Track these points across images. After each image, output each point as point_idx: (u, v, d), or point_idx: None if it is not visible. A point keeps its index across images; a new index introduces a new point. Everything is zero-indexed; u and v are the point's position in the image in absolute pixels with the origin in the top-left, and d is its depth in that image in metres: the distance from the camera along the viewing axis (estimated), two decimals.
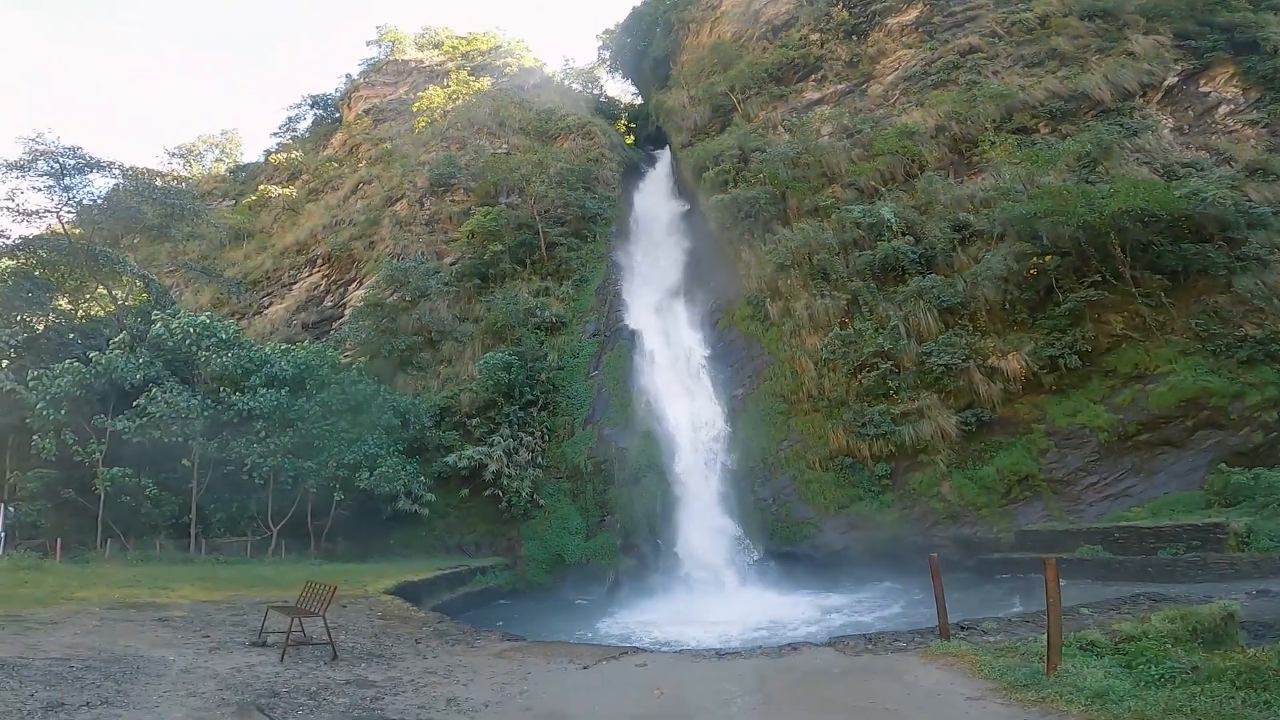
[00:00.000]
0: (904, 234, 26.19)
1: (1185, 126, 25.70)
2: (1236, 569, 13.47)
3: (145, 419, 23.21)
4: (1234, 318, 19.67)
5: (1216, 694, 5.28)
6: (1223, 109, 25.55)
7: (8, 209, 27.50)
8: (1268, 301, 19.35)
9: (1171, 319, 20.40)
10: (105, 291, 30.33)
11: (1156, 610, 8.40)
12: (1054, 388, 21.40)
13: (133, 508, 23.60)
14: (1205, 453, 18.57)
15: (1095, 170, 24.15)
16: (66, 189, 27.95)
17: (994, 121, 28.03)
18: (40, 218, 28.46)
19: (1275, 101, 24.80)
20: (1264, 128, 24.43)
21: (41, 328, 27.79)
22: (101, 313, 30.78)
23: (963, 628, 9.72)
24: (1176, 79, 26.65)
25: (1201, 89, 26.24)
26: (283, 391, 25.40)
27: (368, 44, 62.31)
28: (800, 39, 37.23)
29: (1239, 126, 24.84)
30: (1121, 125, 25.64)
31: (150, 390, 23.81)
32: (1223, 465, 17.65)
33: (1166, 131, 25.56)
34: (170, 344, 25.32)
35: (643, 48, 49.63)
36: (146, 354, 25.18)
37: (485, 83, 50.58)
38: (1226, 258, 20.50)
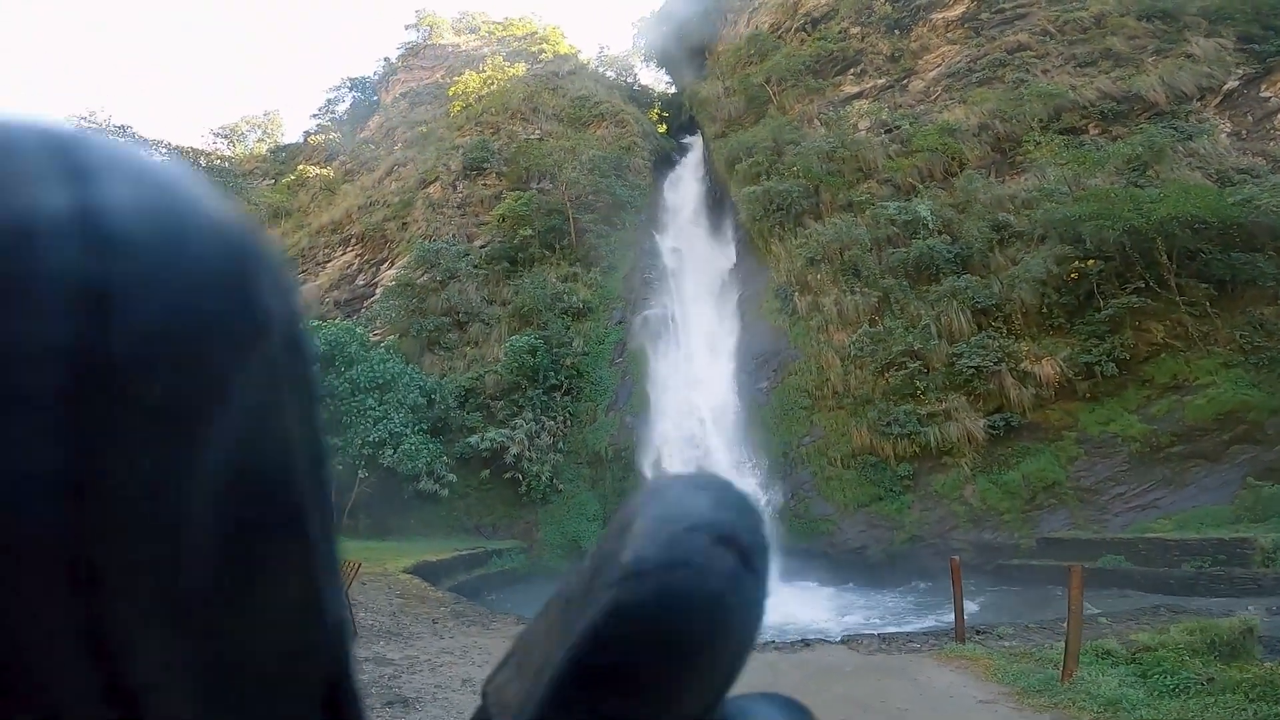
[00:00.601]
0: (940, 232, 25.66)
1: (1243, 131, 24.63)
2: (1260, 585, 13.10)
3: None
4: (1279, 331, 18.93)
5: (1230, 705, 5.17)
6: None
7: None
8: None
9: (1215, 329, 19.67)
10: None
11: (1175, 622, 8.23)
12: (1088, 395, 20.84)
13: None
14: (1238, 467, 17.91)
15: (1145, 174, 23.31)
16: None
17: (1040, 121, 27.15)
18: None
19: None
20: None
21: None
22: None
23: (979, 631, 9.60)
24: (1237, 83, 25.50)
25: (1262, 94, 25.07)
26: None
27: (405, 28, 62.61)
28: (840, 32, 36.49)
29: None
30: (1175, 129, 24.63)
31: None
32: (1254, 480, 17.07)
33: (1223, 136, 24.53)
34: None
35: (678, 37, 49.19)
36: None
37: (520, 69, 50.67)
38: (1277, 268, 19.70)
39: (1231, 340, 19.38)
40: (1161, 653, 6.42)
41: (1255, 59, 25.46)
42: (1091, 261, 21.77)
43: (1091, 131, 26.50)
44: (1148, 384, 20.15)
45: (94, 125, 28.65)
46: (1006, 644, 8.80)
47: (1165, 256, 20.36)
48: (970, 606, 15.87)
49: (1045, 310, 22.53)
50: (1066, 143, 25.84)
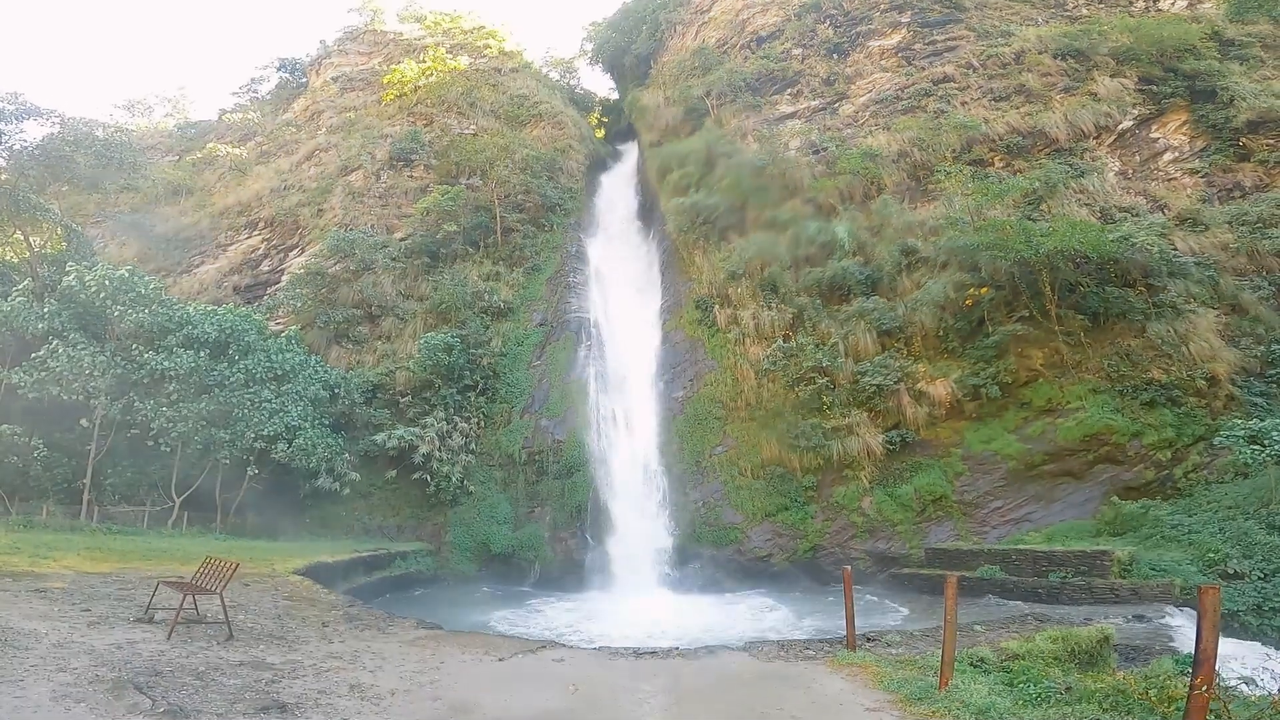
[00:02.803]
0: (855, 254, 26.91)
1: (1130, 171, 26.88)
2: (1117, 594, 14.39)
3: (45, 373, 21.65)
4: (1143, 361, 20.92)
5: (1085, 714, 5.62)
6: (1167, 155, 26.75)
7: None
8: (1176, 349, 20.62)
9: (1087, 358, 21.61)
10: (21, 237, 28.53)
11: (1041, 630, 8.90)
12: (974, 415, 22.45)
13: (20, 469, 22.02)
14: (1101, 485, 19.83)
15: (1039, 208, 25.20)
16: None
17: (953, 151, 28.89)
18: None
19: (1218, 151, 25.99)
20: (1202, 177, 25.70)
21: None
22: (15, 259, 28.80)
23: (869, 639, 10.07)
24: (1131, 123, 27.79)
25: (1152, 134, 27.41)
26: (202, 354, 24.12)
27: (349, 10, 59.90)
28: (782, 52, 37.67)
29: (1179, 175, 26.08)
30: (1070, 165, 26.70)
31: (52, 343, 22.23)
32: (1115, 498, 18.87)
33: (1112, 175, 26.72)
34: (83, 297, 23.68)
35: (626, 44, 49.53)
36: (54, 305, 23.49)
37: (462, 63, 49.51)
38: (1145, 304, 21.75)
39: (1100, 369, 21.34)
40: (1027, 661, 6.96)
41: (1152, 100, 27.88)
42: (985, 289, 23.46)
43: (997, 164, 28.44)
44: (1025, 406, 21.94)
45: None
46: (893, 651, 9.29)
47: (1049, 288, 22.20)
48: (902, 610, 16.73)
49: (942, 334, 24.09)
50: (974, 174, 27.59)
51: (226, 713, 5.92)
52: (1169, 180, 26.11)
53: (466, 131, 42.44)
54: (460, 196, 36.17)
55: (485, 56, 51.91)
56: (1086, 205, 25.32)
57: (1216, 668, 4.85)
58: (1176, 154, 26.74)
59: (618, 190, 41.58)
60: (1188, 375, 20.13)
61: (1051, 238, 21.31)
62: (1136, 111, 27.91)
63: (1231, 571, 14.60)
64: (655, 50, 46.70)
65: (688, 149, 34.72)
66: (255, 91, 62.41)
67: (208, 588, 9.03)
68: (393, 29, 56.29)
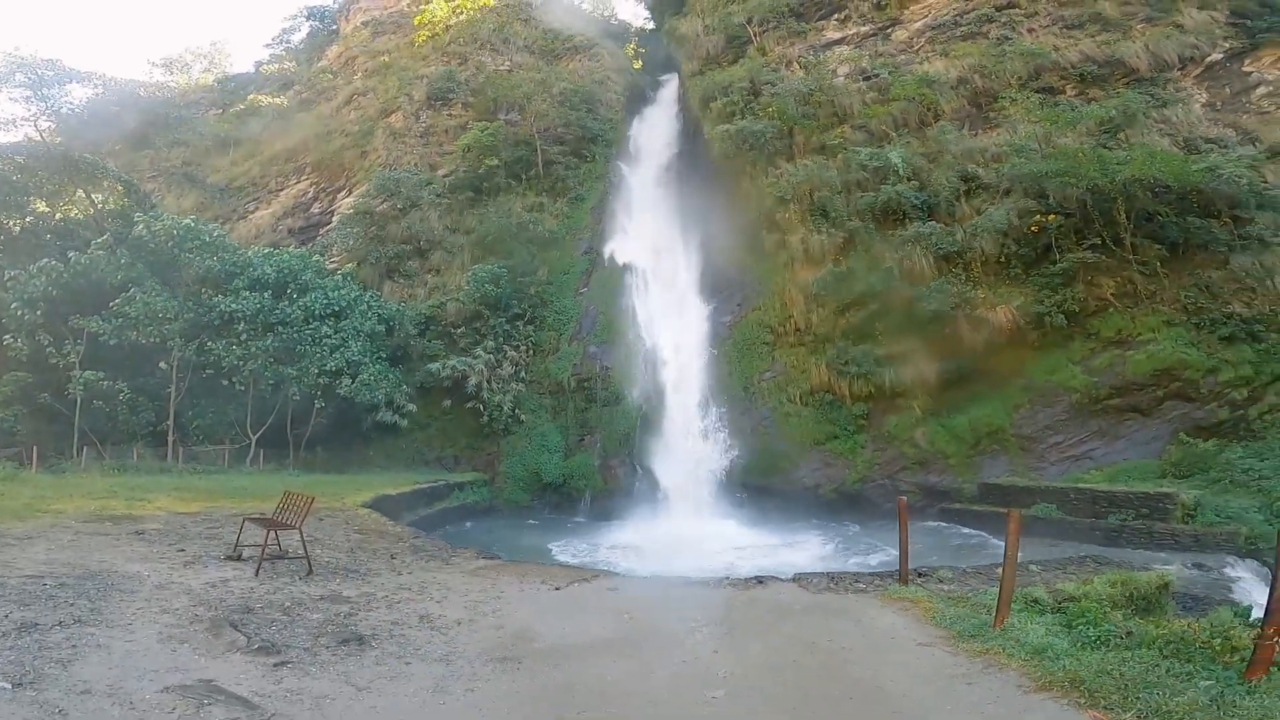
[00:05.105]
0: (909, 180, 25.53)
1: (1219, 103, 24.56)
2: (1178, 540, 13.88)
3: (122, 320, 22.86)
4: (1224, 294, 19.56)
5: (1145, 660, 5.56)
6: (1261, 90, 24.24)
7: None
8: (1261, 282, 19.18)
9: (1163, 289, 20.28)
10: (84, 195, 29.82)
11: (1099, 573, 8.76)
12: (1036, 344, 21.49)
13: (108, 414, 23.53)
14: (1170, 423, 18.84)
15: (1116, 137, 23.33)
16: (44, 99, 27.94)
17: (1020, 79, 26.77)
18: (17, 126, 29.18)
19: None
20: None
21: (18, 230, 27.23)
22: (81, 216, 30.15)
23: (920, 574, 10.11)
24: (1221, 56, 25.24)
25: (1245, 68, 24.88)
26: (265, 295, 25.05)
27: None
28: None
29: (1273, 109, 23.67)
30: (1152, 95, 24.54)
31: (130, 290, 23.34)
32: (1184, 437, 17.92)
33: (1198, 106, 24.48)
34: (153, 246, 24.72)
35: None
36: (128, 255, 24.55)
37: None
38: (1229, 235, 20.21)
39: (1176, 300, 20.05)
40: (1085, 603, 6.88)
41: (1245, 34, 25.16)
42: (1053, 216, 22.04)
43: (1069, 93, 26.28)
44: (1093, 337, 20.86)
45: (19, 59, 26.79)
46: (946, 587, 9.31)
47: (1124, 216, 20.72)
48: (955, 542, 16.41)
49: (1004, 260, 22.89)
50: (1042, 101, 25.65)
51: (312, 646, 6.43)
52: (1262, 114, 23.57)
53: (502, 68, 41.75)
54: (500, 132, 35.85)
55: None
56: (1169, 135, 23.32)
57: None
58: (1271, 88, 24.03)
59: (660, 120, 40.22)
60: (1271, 310, 18.74)
61: (1129, 166, 19.81)
62: (1228, 45, 25.16)
63: None
64: None
65: (730, 77, 33.03)
66: (288, 41, 62.66)
67: (288, 523, 9.64)
68: None
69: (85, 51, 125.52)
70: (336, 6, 58.87)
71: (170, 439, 23.84)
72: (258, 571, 9.14)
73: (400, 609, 8.04)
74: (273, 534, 9.63)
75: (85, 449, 22.56)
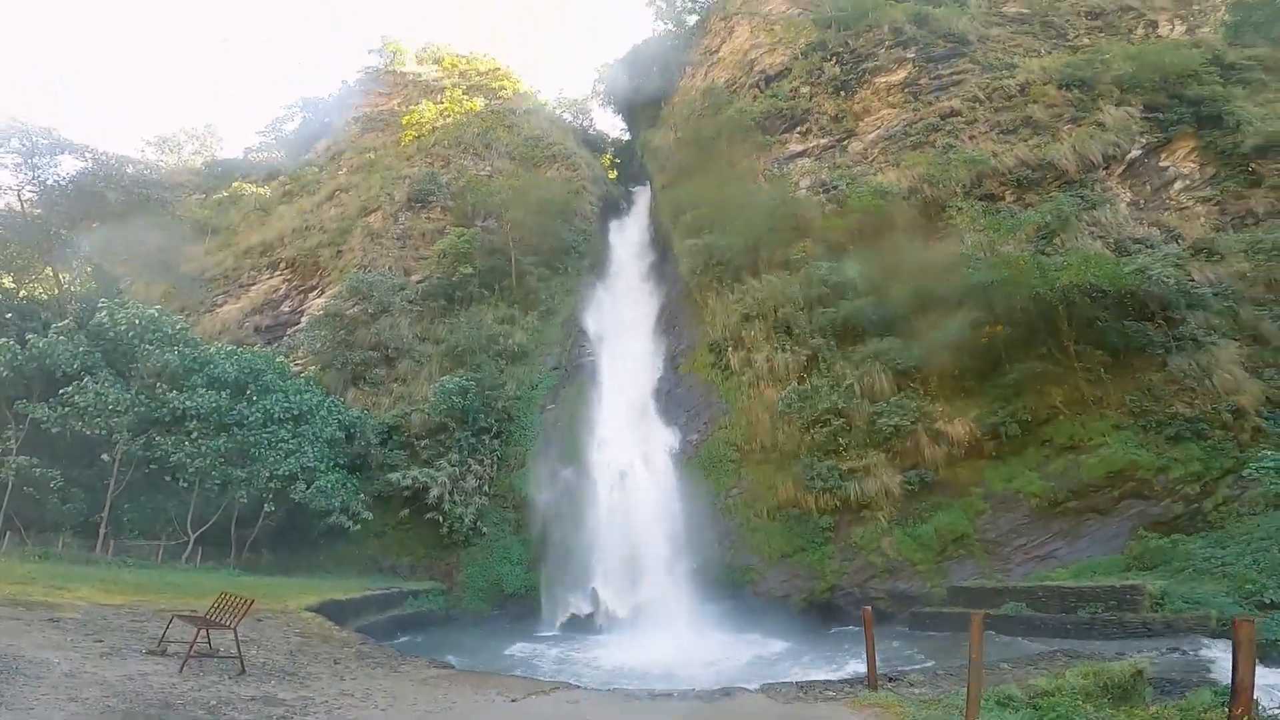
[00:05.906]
0: (868, 294, 26.75)
1: (1141, 201, 26.53)
2: (1150, 628, 13.89)
3: (68, 409, 22.09)
4: (1166, 396, 20.50)
5: None
6: (1178, 184, 26.39)
7: None
8: (1199, 382, 20.18)
9: (1108, 394, 21.23)
10: (52, 274, 29.50)
11: (1071, 666, 8.54)
12: (994, 454, 22.03)
13: (37, 501, 22.27)
14: (1128, 520, 19.20)
15: (1052, 241, 24.96)
16: (34, 168, 27.89)
17: (964, 186, 28.76)
18: (1, 195, 28.34)
19: (1229, 178, 25.55)
20: (1215, 205, 25.31)
21: None
22: (45, 296, 29.69)
23: (890, 679, 9.74)
24: (1140, 152, 27.52)
25: (1162, 163, 27.07)
26: (223, 394, 24.49)
27: (369, 52, 61.83)
28: (790, 90, 38.07)
29: (1191, 203, 25.70)
30: (1081, 197, 26.48)
31: (82, 379, 22.73)
32: (1143, 532, 18.29)
33: (1123, 205, 26.38)
34: (113, 334, 24.29)
35: (637, 85, 50.33)
36: (86, 343, 24.10)
37: (478, 104, 51.03)
38: (1164, 337, 21.41)
39: (1122, 405, 20.90)
40: (1058, 698, 6.69)
41: (1158, 127, 27.70)
42: (1000, 327, 23.19)
43: (1008, 199, 28.25)
44: (1047, 444, 21.47)
45: (17, 125, 27.16)
46: (916, 691, 8.98)
47: (1066, 323, 21.92)
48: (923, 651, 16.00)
49: (958, 373, 23.82)
50: (985, 209, 27.41)
51: None
52: (1181, 209, 25.71)
53: (482, 173, 43.43)
54: (475, 239, 36.91)
55: (500, 98, 53.42)
56: (1100, 237, 25.01)
57: (1256, 696, 4.67)
58: (1187, 182, 26.39)
59: (631, 232, 42.14)
60: (1212, 408, 19.62)
61: (1066, 272, 21.10)
62: (1144, 140, 27.69)
63: (1269, 601, 14.03)
64: (666, 91, 47.32)
65: (700, 190, 35.07)
66: (280, 130, 64.36)
67: (222, 623, 8.97)
68: (411, 70, 58.07)
69: (79, 121, 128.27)
70: (331, 100, 60.75)
71: (102, 531, 22.32)
72: (183, 668, 8.36)
73: (340, 715, 7.43)
74: (204, 632, 8.92)
75: (9, 534, 21.12)
